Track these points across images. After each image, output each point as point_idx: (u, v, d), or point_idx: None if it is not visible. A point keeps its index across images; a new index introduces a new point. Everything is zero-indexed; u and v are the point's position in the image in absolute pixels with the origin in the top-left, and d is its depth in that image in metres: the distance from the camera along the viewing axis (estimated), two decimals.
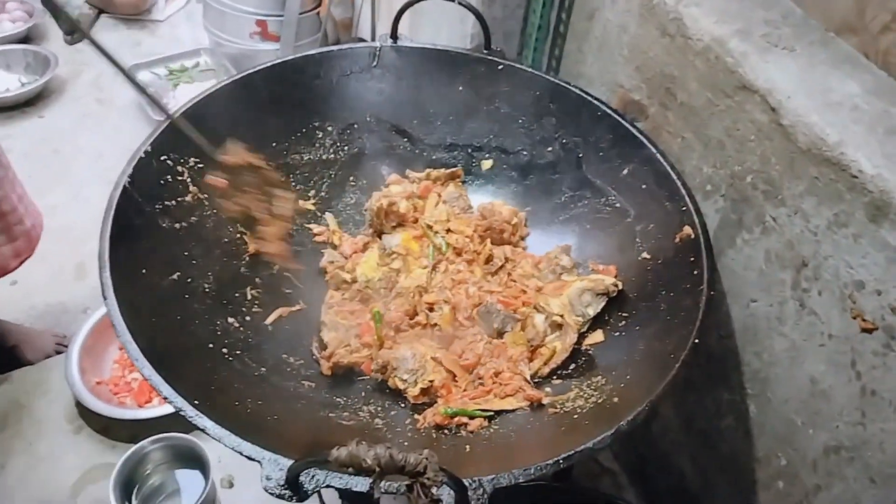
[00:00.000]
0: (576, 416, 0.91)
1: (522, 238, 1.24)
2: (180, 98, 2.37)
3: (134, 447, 1.30)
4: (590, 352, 1.04)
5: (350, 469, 0.62)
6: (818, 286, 0.91)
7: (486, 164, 1.31)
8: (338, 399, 1.01)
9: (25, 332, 1.65)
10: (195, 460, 1.32)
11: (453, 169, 1.30)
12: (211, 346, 0.96)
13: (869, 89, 0.93)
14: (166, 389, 0.77)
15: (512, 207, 1.24)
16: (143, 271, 0.94)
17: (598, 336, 1.06)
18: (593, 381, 0.96)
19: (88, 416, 1.49)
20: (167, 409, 1.44)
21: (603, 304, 1.07)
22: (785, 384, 0.99)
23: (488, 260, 1.18)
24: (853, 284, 0.86)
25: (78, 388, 1.46)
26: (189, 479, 1.35)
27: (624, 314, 1.05)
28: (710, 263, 0.95)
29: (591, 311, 1.07)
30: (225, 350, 0.97)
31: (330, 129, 1.26)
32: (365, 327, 1.08)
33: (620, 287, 1.07)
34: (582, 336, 1.07)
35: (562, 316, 1.05)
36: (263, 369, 0.98)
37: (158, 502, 1.34)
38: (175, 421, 1.41)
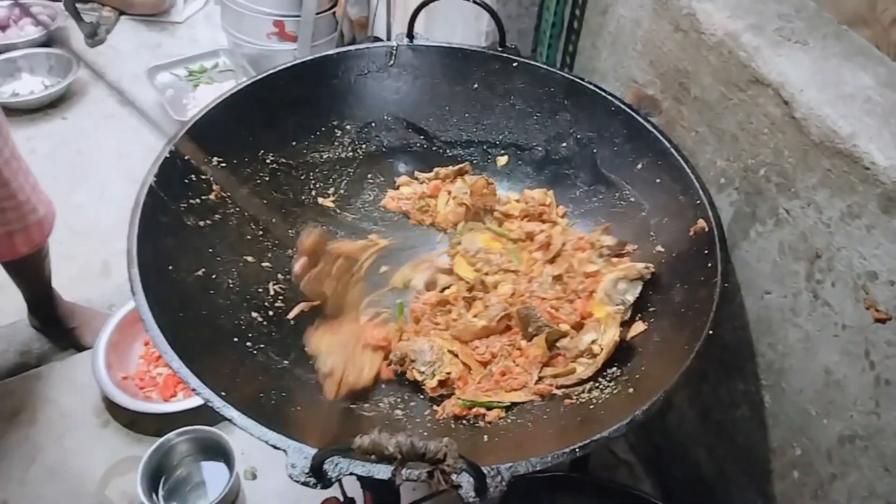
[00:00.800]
0: (592, 407, 0.92)
1: (560, 217, 1.25)
2: (200, 99, 2.41)
3: (160, 440, 1.33)
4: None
5: (373, 457, 0.64)
6: (831, 277, 0.92)
7: (502, 160, 1.32)
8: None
9: (89, 315, 1.72)
10: (220, 452, 1.35)
11: (460, 165, 1.31)
12: (236, 339, 0.99)
13: (882, 81, 0.93)
14: (194, 381, 0.79)
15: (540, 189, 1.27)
16: (170, 268, 0.97)
17: (639, 326, 1.04)
18: (609, 373, 0.98)
19: (115, 411, 1.53)
20: (192, 403, 1.47)
21: (640, 288, 1.05)
22: (799, 375, 1.00)
23: (546, 246, 1.18)
24: (866, 275, 0.87)
25: (105, 382, 1.50)
26: (214, 471, 1.38)
27: (638, 306, 1.06)
28: (723, 256, 0.96)
29: (630, 298, 1.05)
30: (249, 344, 1.00)
31: (348, 127, 1.29)
32: (362, 332, 1.08)
33: (653, 270, 1.06)
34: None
35: (599, 347, 1.03)
36: (286, 362, 1.01)
37: (184, 493, 1.38)
38: (199, 414, 1.45)
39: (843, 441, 0.95)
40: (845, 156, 0.87)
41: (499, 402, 0.99)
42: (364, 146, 1.30)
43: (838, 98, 0.91)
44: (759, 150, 1.00)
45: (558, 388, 1.00)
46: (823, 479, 0.99)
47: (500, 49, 1.29)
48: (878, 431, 0.89)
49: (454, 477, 0.67)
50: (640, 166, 1.15)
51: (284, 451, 0.73)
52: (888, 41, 0.96)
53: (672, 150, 1.09)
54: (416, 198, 1.26)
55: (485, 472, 0.70)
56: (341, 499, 1.21)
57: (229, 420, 0.77)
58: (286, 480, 0.72)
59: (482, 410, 0.98)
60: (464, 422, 0.97)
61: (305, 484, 0.71)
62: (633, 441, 1.52)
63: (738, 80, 1.02)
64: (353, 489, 1.19)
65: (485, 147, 1.33)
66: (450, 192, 1.28)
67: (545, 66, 1.27)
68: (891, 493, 0.88)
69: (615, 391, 0.93)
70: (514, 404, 0.99)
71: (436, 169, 1.32)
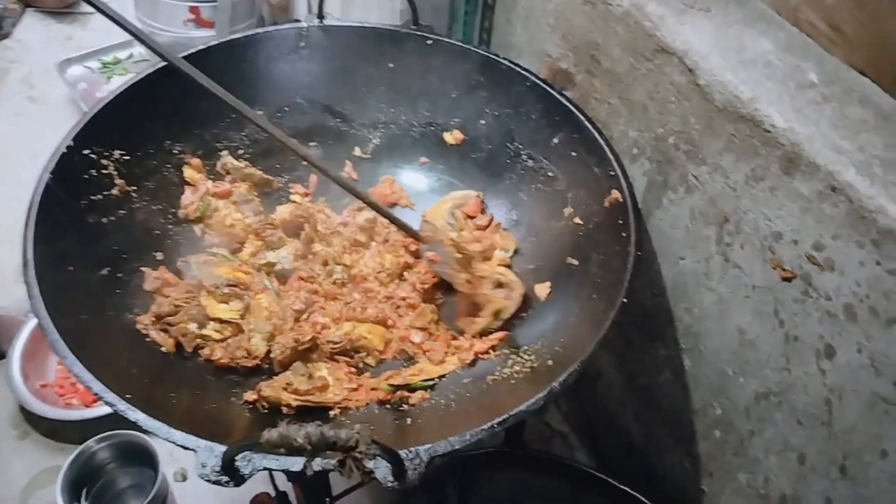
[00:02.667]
0: (513, 382, 0.93)
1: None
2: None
3: (79, 448, 1.28)
4: (524, 316, 1.06)
5: (282, 450, 0.63)
6: (740, 240, 0.94)
7: (421, 140, 1.31)
8: None
9: (6, 322, 1.61)
10: (145, 456, 1.31)
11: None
12: (147, 338, 0.95)
13: (781, 46, 0.95)
14: (96, 385, 0.76)
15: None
16: (71, 268, 0.93)
17: (546, 287, 1.08)
18: (530, 347, 0.98)
19: (34, 421, 1.46)
20: None
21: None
22: (715, 337, 1.02)
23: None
24: (772, 236, 0.89)
25: (21, 392, 1.44)
26: (140, 476, 1.34)
27: (558, 279, 1.07)
28: (637, 225, 0.97)
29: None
30: None
31: (261, 112, 1.24)
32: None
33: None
34: (532, 287, 1.09)
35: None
36: (200, 359, 0.98)
37: (110, 501, 1.33)
38: (125, 419, 1.40)
39: (759, 398, 0.97)
40: (747, 120, 0.88)
41: (423, 381, 0.98)
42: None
43: (740, 64, 0.92)
44: (668, 118, 1.01)
45: (479, 353, 1.00)
46: (743, 435, 1.02)
47: (413, 27, 1.27)
48: (789, 387, 0.92)
49: (368, 463, 0.66)
50: (556, 140, 1.15)
51: (194, 450, 0.71)
52: (787, 5, 0.98)
53: (586, 122, 1.10)
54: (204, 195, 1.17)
55: (403, 455, 0.70)
56: (273, 493, 1.19)
57: (135, 423, 0.74)
58: None
59: (406, 394, 0.97)
60: (388, 406, 0.96)
61: (217, 483, 0.69)
62: (567, 411, 1.54)
63: (644, 49, 1.02)
64: (287, 482, 1.17)
65: (403, 127, 1.31)
66: (235, 203, 1.18)
67: (460, 44, 1.25)
68: (804, 444, 0.91)
69: (535, 364, 0.93)
70: (436, 385, 0.98)
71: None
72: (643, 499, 1.14)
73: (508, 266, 1.15)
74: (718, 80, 0.91)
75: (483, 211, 1.24)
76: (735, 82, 0.90)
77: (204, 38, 2.30)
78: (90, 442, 1.30)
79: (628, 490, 1.15)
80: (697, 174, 0.98)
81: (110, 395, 0.75)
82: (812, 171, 0.80)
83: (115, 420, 1.37)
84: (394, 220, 1.10)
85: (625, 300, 0.88)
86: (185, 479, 1.39)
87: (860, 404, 0.82)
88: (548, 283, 1.08)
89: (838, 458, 0.86)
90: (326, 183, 1.23)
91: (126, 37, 2.49)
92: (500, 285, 1.10)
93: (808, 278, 0.85)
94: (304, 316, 1.05)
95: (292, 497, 1.18)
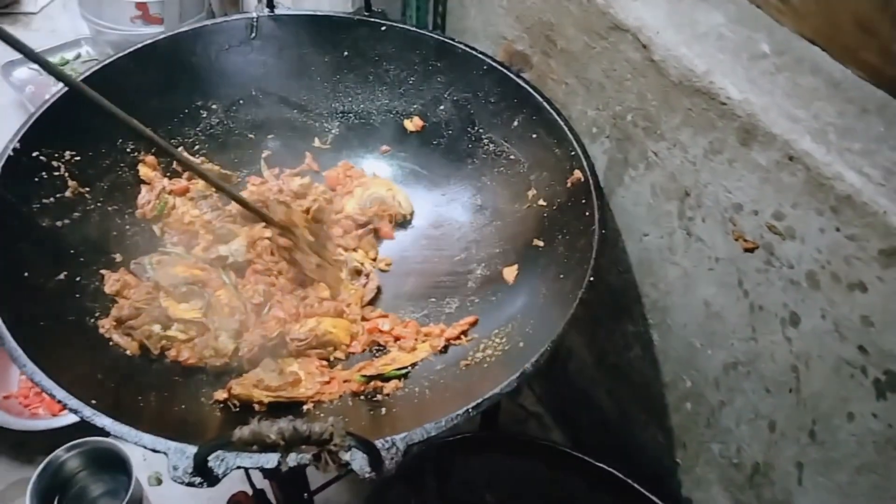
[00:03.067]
0: (486, 366, 0.93)
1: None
2: None
3: (48, 458, 1.26)
4: (493, 300, 1.06)
5: (255, 447, 0.62)
6: (701, 213, 0.95)
7: (381, 128, 1.29)
8: None
9: None
10: (117, 462, 1.28)
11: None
12: (110, 342, 0.93)
13: (733, 18, 0.96)
14: (60, 392, 0.74)
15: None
16: (26, 274, 0.90)
17: (513, 270, 1.08)
18: (501, 331, 0.98)
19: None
20: None
21: None
22: (682, 310, 1.04)
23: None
24: (732, 207, 0.90)
25: None
26: (113, 482, 1.31)
27: (525, 262, 1.07)
28: (600, 204, 0.97)
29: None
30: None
31: (214, 106, 1.22)
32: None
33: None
34: (500, 271, 1.09)
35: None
36: (167, 361, 0.96)
37: None
38: (92, 425, 1.37)
39: (728, 368, 0.99)
40: (703, 93, 0.89)
41: (396, 370, 0.98)
42: (233, 125, 1.24)
43: (693, 37, 0.93)
44: (625, 95, 1.01)
45: (450, 339, 1.01)
46: (713, 406, 1.04)
47: (366, 14, 1.25)
48: (756, 356, 0.93)
49: (344, 455, 0.65)
50: (516, 123, 1.15)
51: (165, 453, 0.70)
52: None
53: (545, 104, 1.10)
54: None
55: (379, 445, 0.69)
56: (250, 492, 1.18)
57: (102, 429, 0.73)
58: None
59: (379, 384, 0.97)
60: (361, 397, 0.96)
61: (191, 484, 0.68)
62: (541, 393, 1.55)
63: (598, 27, 1.02)
64: (264, 480, 1.16)
65: (362, 116, 1.29)
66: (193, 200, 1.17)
67: (414, 29, 1.24)
68: (773, 412, 0.93)
69: (507, 347, 0.93)
70: (409, 373, 0.98)
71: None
72: (619, 474, 1.15)
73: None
74: (673, 55, 0.92)
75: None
76: (689, 56, 0.90)
77: (153, 34, 2.21)
78: (59, 451, 1.27)
79: (604, 467, 1.16)
80: (657, 150, 0.99)
81: (74, 402, 0.73)
82: (769, 142, 0.81)
83: (85, 428, 1.35)
84: (247, 206, 1.04)
85: (591, 278, 0.88)
86: (160, 482, 1.37)
87: (826, 369, 0.83)
88: (516, 266, 1.08)
89: (807, 423, 0.88)
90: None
91: (74, 36, 2.46)
92: (357, 273, 1.13)
93: (769, 248, 0.86)
94: (265, 310, 1.04)
95: (270, 494, 1.17)
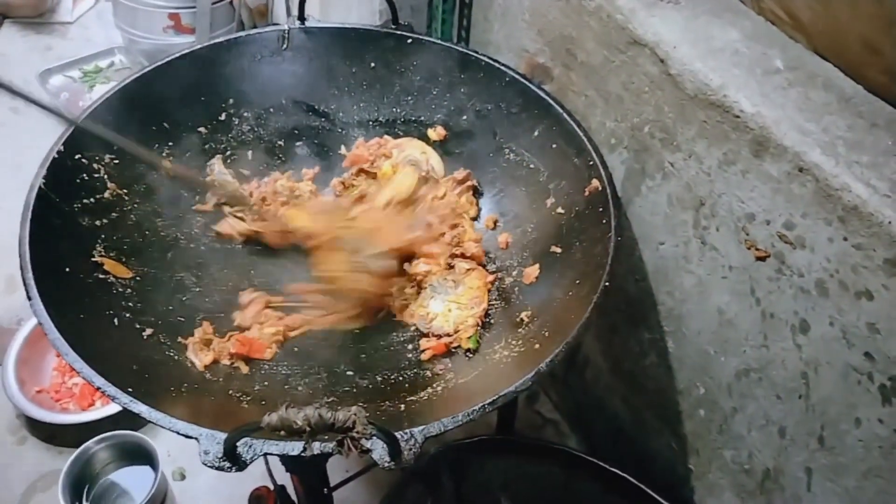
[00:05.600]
0: (502, 366, 0.95)
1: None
2: None
3: (78, 450, 1.30)
4: (512, 298, 1.09)
5: (282, 432, 0.65)
6: (716, 222, 0.97)
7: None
8: (281, 370, 1.03)
9: None
10: (143, 456, 1.32)
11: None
12: (143, 337, 0.97)
13: (748, 35, 0.99)
14: (99, 380, 0.78)
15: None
16: (67, 270, 0.94)
17: (535, 269, 1.10)
18: (517, 333, 1.01)
19: (32, 426, 1.48)
20: (111, 410, 1.44)
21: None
22: (696, 318, 1.06)
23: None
24: (745, 217, 0.92)
25: (17, 398, 1.45)
26: (139, 475, 1.35)
27: (543, 267, 1.10)
28: (616, 212, 1.00)
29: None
30: (158, 339, 0.98)
31: (246, 114, 1.27)
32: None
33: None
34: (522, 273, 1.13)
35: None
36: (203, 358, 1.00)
37: (110, 501, 1.35)
38: (119, 421, 1.42)
39: (740, 375, 1.01)
40: (717, 106, 0.92)
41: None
42: (263, 133, 1.29)
43: (708, 52, 0.96)
44: (643, 108, 1.05)
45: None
46: (726, 412, 1.06)
47: (393, 27, 1.29)
48: (768, 363, 0.95)
49: (365, 443, 0.68)
50: (536, 133, 1.19)
51: (196, 438, 0.73)
52: None
53: (565, 115, 1.13)
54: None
55: (398, 436, 0.72)
56: (271, 487, 1.21)
57: (138, 415, 0.76)
58: (216, 477, 0.72)
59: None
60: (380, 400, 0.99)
61: (220, 468, 0.71)
62: (557, 400, 1.57)
63: (617, 42, 1.06)
64: (285, 476, 1.19)
65: (387, 125, 1.33)
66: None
67: (439, 42, 1.28)
68: (783, 418, 0.95)
69: (523, 349, 0.96)
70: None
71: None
72: (633, 480, 1.17)
73: None
74: (689, 69, 0.95)
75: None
76: (705, 70, 0.93)
77: (184, 44, 2.30)
78: (89, 443, 1.32)
79: (618, 472, 1.18)
80: (673, 161, 1.02)
81: (113, 389, 0.77)
82: (780, 153, 0.84)
83: (112, 422, 1.41)
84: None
85: (607, 283, 0.91)
86: (183, 478, 1.41)
87: (834, 376, 0.85)
88: (537, 266, 1.10)
89: (816, 429, 0.90)
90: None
91: (108, 45, 2.53)
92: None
93: (780, 256, 0.89)
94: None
95: (291, 490, 1.20)
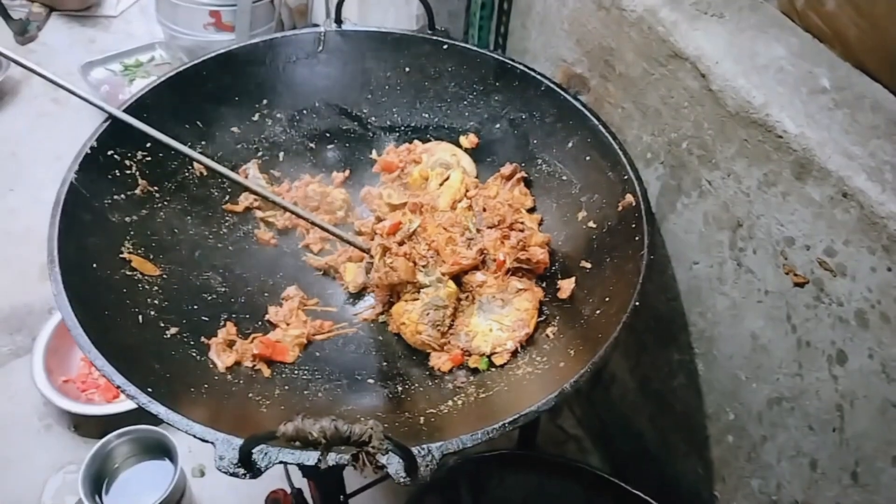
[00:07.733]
0: (525, 383, 0.94)
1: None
2: None
3: (100, 442, 1.31)
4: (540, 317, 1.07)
5: (297, 443, 0.64)
6: (753, 245, 0.94)
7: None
8: (302, 374, 1.03)
9: None
10: (163, 451, 1.33)
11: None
12: (166, 336, 0.97)
13: (794, 52, 0.95)
14: (119, 379, 0.78)
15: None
16: (94, 266, 0.95)
17: (570, 283, 1.07)
18: (543, 349, 0.99)
19: (57, 415, 1.50)
20: (134, 404, 1.45)
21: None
22: (728, 341, 1.03)
23: None
24: (784, 241, 0.89)
25: (44, 387, 1.47)
26: (158, 470, 1.36)
27: (572, 282, 1.08)
28: (650, 229, 0.97)
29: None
30: (182, 338, 0.98)
31: (279, 115, 1.27)
32: None
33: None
34: (556, 285, 1.09)
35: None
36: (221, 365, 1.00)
37: (129, 494, 1.36)
38: (144, 415, 1.42)
39: (772, 403, 0.98)
40: (759, 125, 0.89)
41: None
42: (295, 134, 1.29)
43: (752, 69, 0.93)
44: (681, 123, 1.02)
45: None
46: (756, 441, 1.02)
47: (429, 32, 1.28)
48: (802, 392, 0.92)
49: (381, 458, 0.67)
50: (570, 144, 1.16)
51: (213, 443, 0.73)
52: (795, 8, 0.98)
53: (600, 127, 1.11)
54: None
55: (414, 451, 0.71)
56: (289, 490, 1.20)
57: (156, 416, 0.76)
58: None
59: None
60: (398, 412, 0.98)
61: (234, 475, 0.71)
62: (581, 416, 1.54)
63: (658, 55, 1.03)
64: (302, 480, 1.19)
65: (419, 131, 1.32)
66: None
67: (475, 49, 1.27)
68: (815, 450, 0.92)
69: (547, 366, 0.94)
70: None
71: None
72: (655, 503, 1.14)
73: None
74: (731, 86, 0.92)
75: None
76: (747, 87, 0.90)
77: (224, 41, 2.34)
78: (110, 436, 1.33)
79: (641, 494, 1.15)
80: (711, 179, 0.99)
81: (132, 388, 0.77)
82: (823, 177, 0.81)
83: (135, 416, 1.42)
84: (343, 238, 1.14)
85: (637, 303, 0.89)
86: (202, 474, 1.41)
87: (872, 410, 0.82)
88: (573, 279, 1.07)
89: (850, 464, 0.86)
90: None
91: (150, 40, 2.57)
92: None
93: (820, 283, 0.86)
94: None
95: (307, 494, 1.20)
